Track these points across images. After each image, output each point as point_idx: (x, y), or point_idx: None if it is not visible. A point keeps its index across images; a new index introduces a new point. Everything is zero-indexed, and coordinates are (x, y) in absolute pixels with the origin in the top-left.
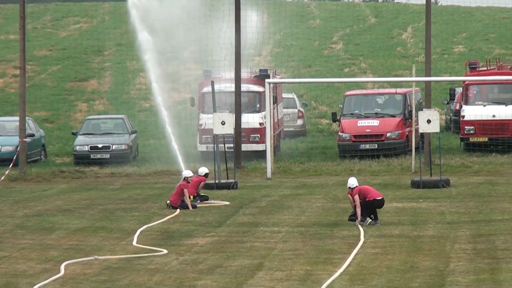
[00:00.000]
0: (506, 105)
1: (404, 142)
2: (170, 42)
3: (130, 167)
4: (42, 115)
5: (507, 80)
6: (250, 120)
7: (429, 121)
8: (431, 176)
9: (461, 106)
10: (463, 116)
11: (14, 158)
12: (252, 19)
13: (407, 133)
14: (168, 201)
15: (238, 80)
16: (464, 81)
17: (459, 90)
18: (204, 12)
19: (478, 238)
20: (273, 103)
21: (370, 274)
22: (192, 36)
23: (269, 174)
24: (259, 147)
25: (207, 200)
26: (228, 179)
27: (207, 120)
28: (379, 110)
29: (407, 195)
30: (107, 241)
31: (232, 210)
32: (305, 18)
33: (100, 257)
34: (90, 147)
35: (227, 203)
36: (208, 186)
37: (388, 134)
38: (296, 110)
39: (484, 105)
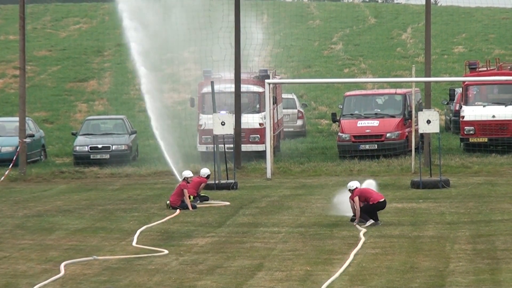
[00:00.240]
0: (505, 106)
1: (404, 142)
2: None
3: (130, 167)
4: (42, 115)
5: (507, 80)
6: (250, 120)
7: (429, 122)
8: (431, 176)
9: (460, 107)
10: (463, 117)
11: (14, 158)
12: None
13: (407, 133)
14: (168, 202)
15: (238, 80)
16: (463, 82)
17: (458, 90)
18: (203, 12)
19: (478, 239)
20: (273, 104)
21: (370, 274)
22: (192, 37)
23: (269, 175)
24: (259, 147)
25: (207, 200)
26: (228, 179)
27: (207, 120)
28: (379, 110)
29: (407, 196)
30: (107, 242)
31: (232, 210)
32: (305, 18)
33: (99, 258)
34: (90, 147)
35: (228, 203)
36: (208, 187)
37: (388, 135)
38: (296, 111)
39: (484, 106)
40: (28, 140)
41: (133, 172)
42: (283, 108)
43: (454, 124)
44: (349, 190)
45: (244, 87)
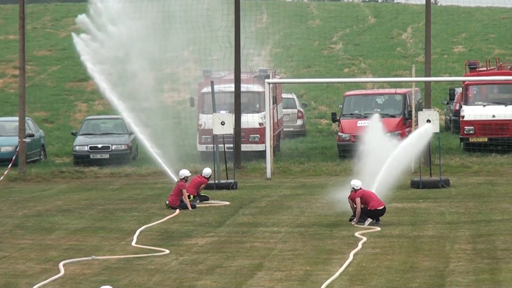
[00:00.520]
0: (505, 105)
1: None
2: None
3: (130, 167)
4: (41, 115)
5: (506, 80)
6: (250, 120)
7: (429, 121)
8: (430, 176)
9: (460, 106)
10: (463, 116)
11: (14, 158)
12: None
13: (406, 133)
14: (167, 202)
15: (237, 80)
16: (463, 81)
17: (458, 90)
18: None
19: (477, 238)
20: (273, 103)
21: (369, 274)
22: (190, 36)
23: (268, 174)
24: (258, 147)
25: (207, 200)
26: (227, 179)
27: (207, 120)
28: (379, 110)
29: (406, 195)
30: (107, 241)
31: (231, 210)
32: (305, 18)
33: (98, 257)
34: (90, 147)
35: (227, 203)
36: (207, 186)
37: (388, 135)
38: (295, 110)
39: (484, 105)
40: (27, 139)
41: (132, 171)
42: (283, 108)
43: (454, 124)
44: (353, 188)
45: (244, 87)
